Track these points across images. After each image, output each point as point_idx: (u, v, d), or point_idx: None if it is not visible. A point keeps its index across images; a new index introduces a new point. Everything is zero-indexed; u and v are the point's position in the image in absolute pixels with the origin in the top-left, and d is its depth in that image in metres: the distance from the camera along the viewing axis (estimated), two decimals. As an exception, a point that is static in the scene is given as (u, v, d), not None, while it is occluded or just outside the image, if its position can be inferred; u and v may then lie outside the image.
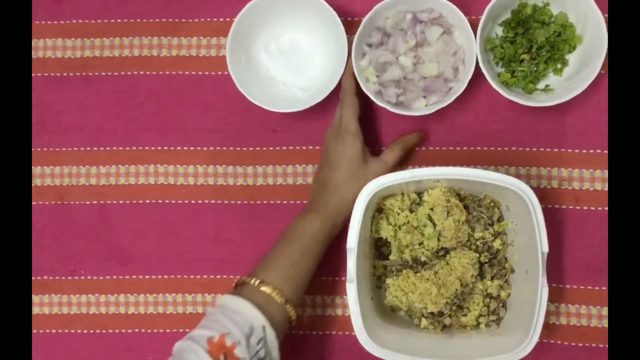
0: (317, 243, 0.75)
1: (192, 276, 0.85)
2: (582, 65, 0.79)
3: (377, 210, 0.79)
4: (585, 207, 0.82)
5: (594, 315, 0.81)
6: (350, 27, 0.82)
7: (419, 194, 0.80)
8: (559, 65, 0.81)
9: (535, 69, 0.80)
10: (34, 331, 0.86)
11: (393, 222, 0.79)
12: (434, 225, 0.78)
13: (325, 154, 0.79)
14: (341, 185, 0.76)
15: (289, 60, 0.84)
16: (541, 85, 0.81)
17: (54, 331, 0.86)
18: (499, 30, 0.82)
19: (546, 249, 0.71)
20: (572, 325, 0.82)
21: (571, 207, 0.82)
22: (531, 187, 0.81)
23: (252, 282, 0.71)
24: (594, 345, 0.81)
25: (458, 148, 0.83)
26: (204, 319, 0.69)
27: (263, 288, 0.70)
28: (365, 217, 0.73)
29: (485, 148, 0.83)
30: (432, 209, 0.78)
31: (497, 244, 0.78)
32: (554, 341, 0.82)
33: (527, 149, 0.83)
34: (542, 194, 0.82)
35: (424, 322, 0.78)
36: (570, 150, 0.82)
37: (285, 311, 0.70)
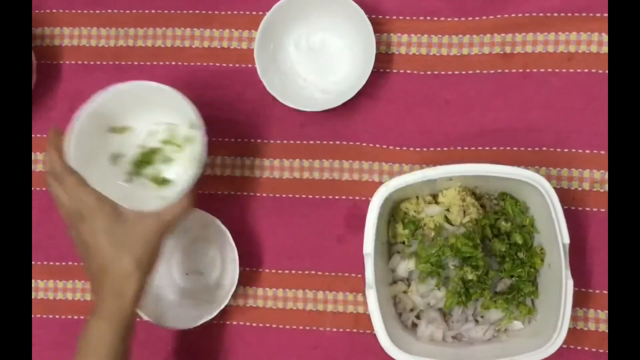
0: (115, 349, 0.66)
1: (214, 268, 0.85)
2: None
3: (392, 215, 0.78)
4: (617, 211, 0.80)
5: (624, 322, 0.79)
6: (378, 25, 0.82)
7: (434, 196, 0.78)
8: None
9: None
10: (50, 316, 0.86)
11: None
12: (452, 226, 0.76)
13: (79, 247, 0.68)
14: (112, 267, 0.65)
15: (316, 59, 0.84)
16: None
17: (69, 317, 0.86)
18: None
19: (567, 240, 0.69)
20: (601, 331, 0.79)
21: (603, 210, 0.80)
22: (562, 189, 0.80)
23: None
24: (623, 352, 0.78)
25: (487, 148, 0.82)
26: None
27: None
28: (380, 221, 0.72)
29: (515, 148, 0.81)
30: (448, 209, 0.76)
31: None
32: (581, 347, 0.79)
33: (559, 150, 0.81)
34: (573, 197, 0.80)
35: (451, 324, 0.77)
36: (603, 152, 0.80)
37: None
